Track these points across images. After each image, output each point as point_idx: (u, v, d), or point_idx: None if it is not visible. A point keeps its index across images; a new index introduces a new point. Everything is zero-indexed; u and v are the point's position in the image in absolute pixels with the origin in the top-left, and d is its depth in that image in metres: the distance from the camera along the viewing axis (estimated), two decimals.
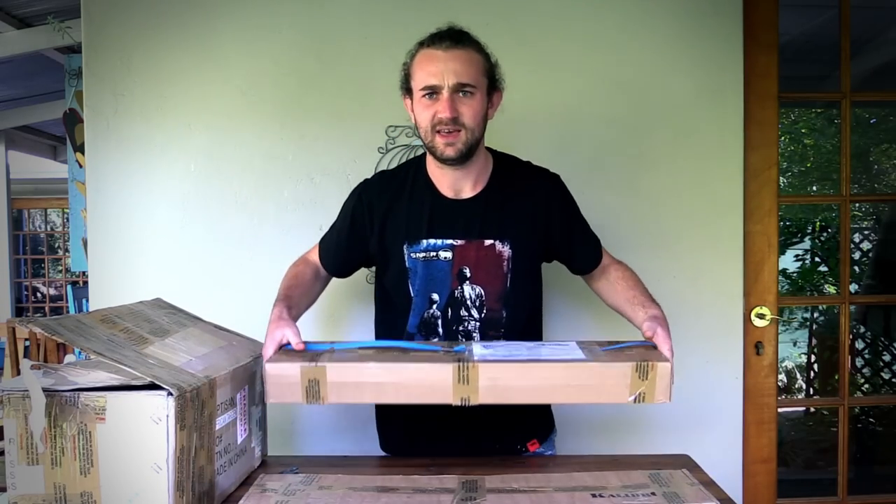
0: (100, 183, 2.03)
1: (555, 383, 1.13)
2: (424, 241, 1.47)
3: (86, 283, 3.39)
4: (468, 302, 1.47)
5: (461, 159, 1.41)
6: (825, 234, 4.77)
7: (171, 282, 2.00)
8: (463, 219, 1.46)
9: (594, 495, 1.09)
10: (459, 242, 1.46)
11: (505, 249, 1.46)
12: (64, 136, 3.31)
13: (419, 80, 1.41)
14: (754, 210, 2.11)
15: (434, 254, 1.46)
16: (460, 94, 1.38)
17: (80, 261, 3.21)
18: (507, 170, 1.52)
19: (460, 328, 1.47)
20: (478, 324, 1.47)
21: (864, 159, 4.91)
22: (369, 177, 1.61)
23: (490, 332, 1.47)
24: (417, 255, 1.47)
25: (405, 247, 1.47)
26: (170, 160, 2.03)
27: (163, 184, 2.03)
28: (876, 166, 5.24)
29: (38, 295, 7.77)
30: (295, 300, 1.45)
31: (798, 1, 2.90)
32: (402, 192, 1.51)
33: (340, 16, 2.03)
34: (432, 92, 1.39)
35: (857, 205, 4.73)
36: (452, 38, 1.41)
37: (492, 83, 1.45)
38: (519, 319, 1.50)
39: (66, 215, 7.24)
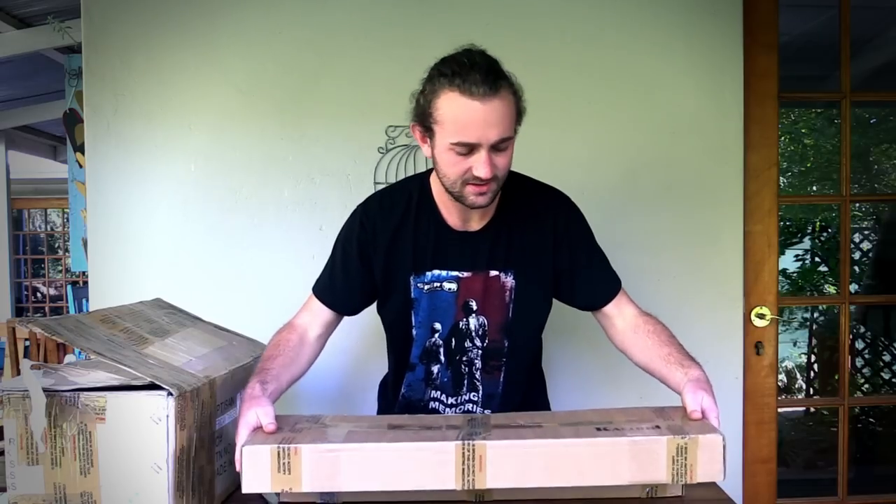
0: (100, 183, 2.03)
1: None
2: (429, 273, 1.40)
3: (86, 283, 3.39)
4: (472, 333, 1.44)
5: (488, 204, 1.32)
6: (825, 234, 4.78)
7: (171, 282, 2.00)
8: (470, 251, 1.40)
9: (599, 429, 1.08)
10: (466, 274, 1.40)
11: (508, 280, 1.41)
12: (64, 136, 3.31)
13: (450, 132, 1.22)
14: (754, 210, 2.11)
15: (438, 285, 1.40)
16: (497, 149, 1.24)
17: (80, 261, 3.21)
18: (516, 195, 1.43)
19: (463, 358, 1.45)
20: (480, 352, 1.45)
21: (864, 159, 4.91)
22: (367, 200, 1.48)
23: (491, 361, 1.45)
24: (422, 286, 1.41)
25: (412, 278, 1.40)
26: (170, 160, 2.03)
27: (163, 184, 2.03)
28: (876, 166, 5.24)
29: (38, 295, 7.77)
30: (273, 373, 1.27)
31: (798, 1, 2.89)
32: (407, 221, 1.40)
33: (340, 16, 2.03)
34: (468, 149, 1.23)
35: (857, 205, 4.73)
36: (488, 82, 1.19)
37: (518, 123, 1.29)
38: (521, 349, 1.47)
39: (66, 215, 7.24)
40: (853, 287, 4.06)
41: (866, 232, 4.78)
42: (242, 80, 2.03)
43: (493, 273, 1.40)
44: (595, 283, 1.44)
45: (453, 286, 1.41)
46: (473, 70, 1.19)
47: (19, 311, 6.64)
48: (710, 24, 2.05)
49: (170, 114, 2.03)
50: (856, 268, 4.41)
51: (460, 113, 1.20)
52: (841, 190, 2.25)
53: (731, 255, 2.09)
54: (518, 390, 1.50)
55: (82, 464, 1.04)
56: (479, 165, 1.22)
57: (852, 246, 4.41)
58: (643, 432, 1.06)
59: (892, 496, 2.70)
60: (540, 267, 1.42)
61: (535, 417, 1.17)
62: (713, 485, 1.25)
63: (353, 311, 1.48)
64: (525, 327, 1.46)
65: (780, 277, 2.90)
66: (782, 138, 4.41)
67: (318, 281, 1.47)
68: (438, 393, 1.49)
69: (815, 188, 5.38)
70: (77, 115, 3.11)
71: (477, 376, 1.46)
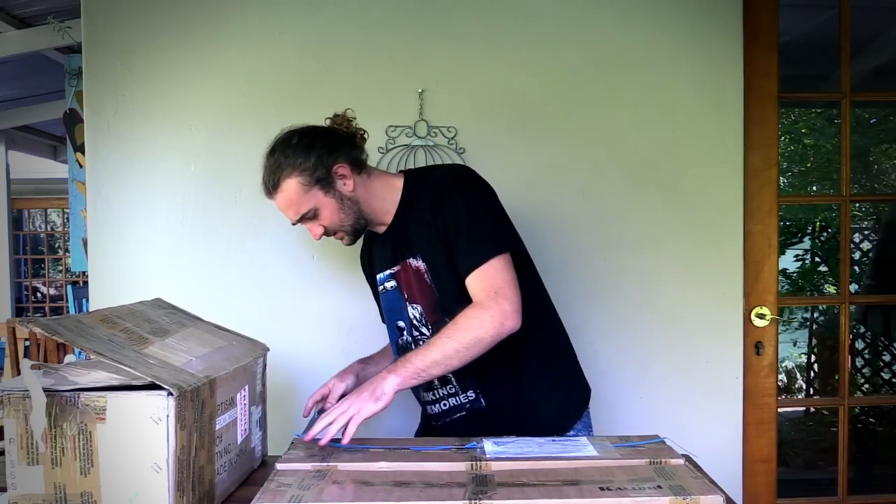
0: (100, 183, 2.03)
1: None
2: (377, 276, 1.61)
3: (86, 283, 3.39)
4: (417, 322, 1.54)
5: (359, 236, 1.58)
6: (825, 234, 4.78)
7: (171, 282, 2.00)
8: (389, 247, 1.56)
9: (602, 488, 1.11)
10: (396, 269, 1.55)
11: (420, 264, 1.51)
12: (64, 136, 3.31)
13: None
14: (754, 210, 2.11)
15: (383, 287, 1.59)
16: (309, 219, 1.51)
17: (80, 261, 3.21)
18: (413, 188, 1.54)
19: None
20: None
21: (864, 159, 4.91)
22: None
23: None
24: (379, 289, 1.62)
25: (372, 285, 1.67)
26: (170, 160, 2.03)
27: (163, 184, 2.03)
28: (876, 166, 5.24)
29: (38, 295, 7.77)
30: (375, 358, 1.69)
31: (798, 1, 2.90)
32: (365, 240, 1.68)
33: (340, 17, 2.03)
34: None
35: (857, 205, 4.73)
36: (268, 187, 1.50)
37: (326, 181, 1.48)
38: None
39: (66, 215, 7.24)
40: (853, 287, 4.06)
41: (866, 232, 4.79)
42: (243, 80, 2.02)
43: (410, 261, 1.52)
44: (460, 254, 1.44)
45: (393, 283, 1.57)
46: (263, 176, 1.50)
47: (19, 311, 6.64)
48: (710, 24, 2.05)
49: (170, 114, 2.02)
50: (856, 268, 4.41)
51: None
52: (841, 190, 2.25)
53: (731, 255, 2.09)
54: (483, 359, 1.42)
55: (82, 464, 1.04)
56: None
57: (852, 246, 4.41)
58: (645, 492, 1.09)
59: (892, 496, 2.70)
60: (435, 245, 1.47)
61: (539, 474, 1.18)
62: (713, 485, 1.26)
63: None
64: (455, 300, 1.45)
65: (780, 277, 2.91)
66: (782, 138, 4.42)
67: None
68: (421, 393, 1.59)
69: (815, 188, 5.39)
70: (77, 115, 3.11)
71: None
